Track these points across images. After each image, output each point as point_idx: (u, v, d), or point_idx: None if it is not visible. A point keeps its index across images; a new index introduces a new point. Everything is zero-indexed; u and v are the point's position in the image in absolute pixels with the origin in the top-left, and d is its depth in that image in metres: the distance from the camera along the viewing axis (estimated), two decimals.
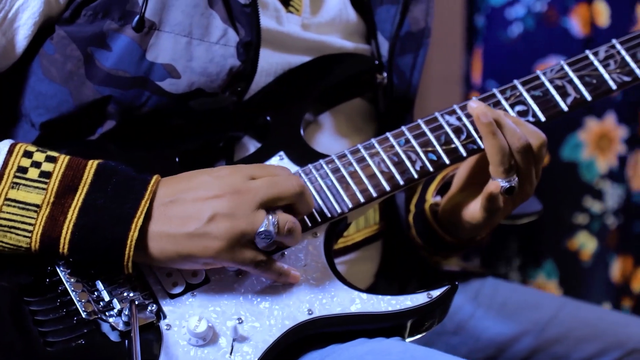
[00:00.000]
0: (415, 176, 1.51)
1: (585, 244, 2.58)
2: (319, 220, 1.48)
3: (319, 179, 1.50)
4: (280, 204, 1.41)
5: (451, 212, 1.60)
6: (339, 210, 1.49)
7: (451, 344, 1.77)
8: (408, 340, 1.47)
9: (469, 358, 1.73)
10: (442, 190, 1.67)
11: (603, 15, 2.54)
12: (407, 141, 1.53)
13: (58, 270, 1.40)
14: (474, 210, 1.55)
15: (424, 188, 1.69)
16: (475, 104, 1.52)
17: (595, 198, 2.57)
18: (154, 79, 1.48)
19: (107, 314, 1.39)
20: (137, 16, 1.46)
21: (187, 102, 1.50)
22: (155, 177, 1.39)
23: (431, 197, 1.66)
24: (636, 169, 2.58)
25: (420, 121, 1.54)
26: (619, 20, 2.52)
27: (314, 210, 1.48)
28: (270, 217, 1.38)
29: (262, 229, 1.38)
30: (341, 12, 1.65)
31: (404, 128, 1.53)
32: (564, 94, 1.58)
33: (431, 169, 1.52)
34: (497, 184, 1.50)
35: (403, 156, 1.52)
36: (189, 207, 1.38)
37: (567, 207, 2.58)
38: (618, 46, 1.61)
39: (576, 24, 2.52)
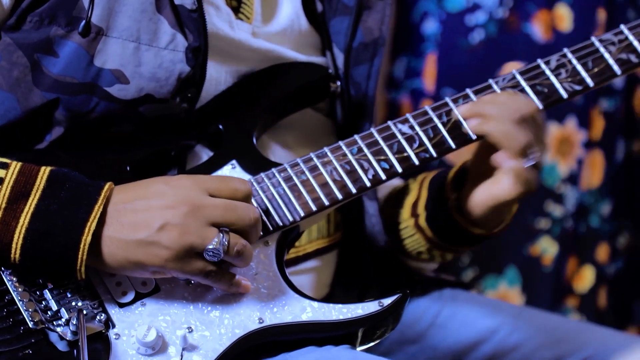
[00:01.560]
0: (368, 184, 1.51)
1: (547, 249, 2.60)
2: (271, 229, 1.47)
3: (270, 187, 1.49)
4: (232, 228, 1.40)
5: (480, 203, 1.59)
6: (290, 219, 1.48)
7: (410, 353, 1.76)
8: (360, 348, 1.46)
9: None
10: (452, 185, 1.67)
11: (565, 20, 2.54)
12: (360, 150, 1.52)
13: (4, 279, 1.37)
14: (502, 190, 1.55)
15: (433, 188, 1.67)
16: (464, 113, 1.55)
17: (557, 202, 2.59)
18: (102, 85, 1.47)
19: (54, 323, 1.36)
20: (84, 21, 1.45)
21: (137, 108, 1.48)
22: (108, 183, 1.39)
23: (451, 194, 1.65)
24: (587, 171, 2.60)
25: (373, 130, 1.54)
26: (582, 25, 2.53)
27: (266, 219, 1.47)
28: (222, 236, 1.37)
29: (211, 247, 1.37)
30: (293, 23, 1.65)
31: (356, 137, 1.53)
32: None
33: (384, 178, 1.52)
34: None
35: (356, 165, 1.51)
36: (141, 214, 1.37)
37: (530, 212, 2.59)
38: (569, 55, 1.62)
39: (538, 30, 2.53)
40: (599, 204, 2.63)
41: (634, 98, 2.64)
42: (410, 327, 1.74)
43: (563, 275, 2.59)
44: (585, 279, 2.62)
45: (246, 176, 1.50)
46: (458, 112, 1.55)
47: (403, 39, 2.65)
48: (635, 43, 1.63)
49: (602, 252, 2.65)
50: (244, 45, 1.57)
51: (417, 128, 1.55)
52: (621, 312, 2.69)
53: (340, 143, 1.53)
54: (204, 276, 1.39)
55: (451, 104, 1.57)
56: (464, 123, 1.55)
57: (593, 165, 2.61)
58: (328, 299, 1.65)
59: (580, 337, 1.74)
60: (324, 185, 1.50)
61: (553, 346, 1.72)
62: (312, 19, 1.68)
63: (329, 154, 1.52)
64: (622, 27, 1.65)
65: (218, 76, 1.55)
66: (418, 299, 1.76)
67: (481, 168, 1.59)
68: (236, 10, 1.59)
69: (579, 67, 1.61)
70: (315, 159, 1.51)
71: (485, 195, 1.58)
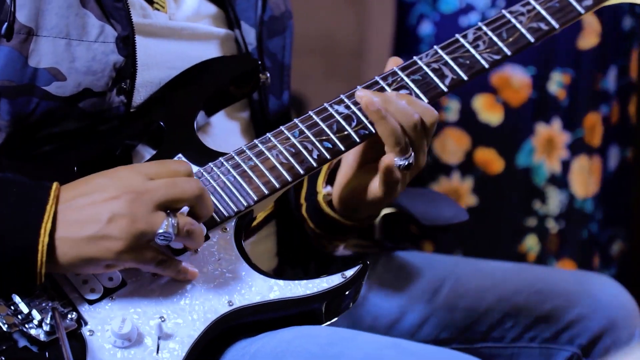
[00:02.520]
0: (315, 164, 1.53)
1: (533, 246, 2.63)
2: (226, 214, 1.48)
3: (221, 175, 1.50)
4: (180, 205, 1.40)
5: (350, 197, 1.62)
6: (245, 204, 1.49)
7: (356, 316, 1.79)
8: (327, 323, 1.49)
9: (373, 327, 1.77)
10: (329, 179, 1.70)
11: None
12: (302, 132, 1.55)
13: None
14: (374, 188, 1.58)
15: (311, 181, 1.71)
16: (362, 93, 1.56)
17: (542, 201, 2.64)
18: (40, 85, 1.46)
19: (27, 326, 1.34)
20: (6, 24, 1.45)
21: (77, 104, 1.48)
22: (55, 183, 1.38)
23: (322, 189, 1.69)
24: (579, 175, 2.66)
25: (311, 112, 1.57)
26: (567, 26, 2.59)
27: (220, 206, 1.49)
28: (170, 218, 1.37)
29: (161, 230, 1.37)
30: (200, 6, 1.67)
31: (296, 120, 1.56)
32: (441, 76, 1.63)
33: (328, 157, 1.54)
34: (391, 157, 1.54)
35: (300, 147, 1.54)
36: (86, 210, 1.36)
37: (520, 211, 2.63)
38: (484, 28, 1.68)
39: None
40: (597, 211, 2.68)
41: (629, 104, 2.70)
42: None
43: None
44: None
45: (194, 168, 1.51)
46: (360, 95, 1.56)
47: (402, 44, 2.67)
48: (543, 12, 1.71)
49: (596, 259, 2.71)
50: (165, 27, 1.60)
51: (352, 107, 1.59)
52: None
53: (282, 128, 1.55)
54: (156, 265, 1.39)
55: (381, 82, 1.59)
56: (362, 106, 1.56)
57: (594, 173, 2.67)
58: (278, 271, 1.69)
59: (519, 276, 1.80)
60: (273, 169, 1.52)
61: (495, 287, 1.78)
62: (216, 1, 1.71)
63: (272, 139, 1.54)
64: None
65: (148, 59, 1.56)
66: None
67: (362, 161, 1.61)
68: (150, 2, 1.62)
69: (495, 38, 1.67)
70: (260, 144, 1.53)
71: (368, 187, 1.60)
